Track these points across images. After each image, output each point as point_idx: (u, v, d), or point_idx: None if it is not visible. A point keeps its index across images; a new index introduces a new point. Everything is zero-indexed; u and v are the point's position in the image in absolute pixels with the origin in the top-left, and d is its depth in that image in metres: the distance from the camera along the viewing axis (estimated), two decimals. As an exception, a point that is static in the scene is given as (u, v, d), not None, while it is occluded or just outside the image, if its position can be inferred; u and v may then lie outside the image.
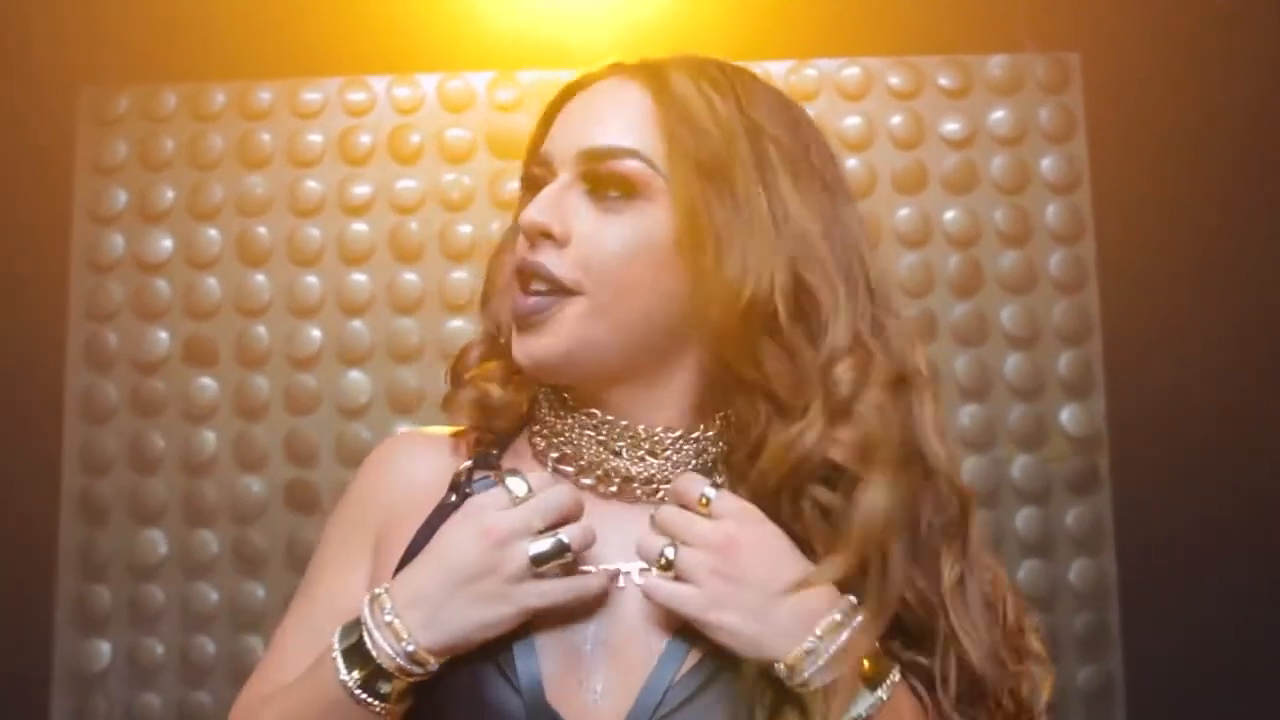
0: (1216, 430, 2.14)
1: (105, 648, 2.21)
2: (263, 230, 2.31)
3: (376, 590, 0.96)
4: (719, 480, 1.00)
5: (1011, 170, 2.29)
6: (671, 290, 0.99)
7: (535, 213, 0.99)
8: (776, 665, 0.92)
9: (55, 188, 2.30)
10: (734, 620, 0.93)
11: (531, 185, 1.04)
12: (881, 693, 0.93)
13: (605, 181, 0.99)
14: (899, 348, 1.02)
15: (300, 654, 1.02)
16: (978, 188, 2.29)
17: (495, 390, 1.06)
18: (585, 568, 0.98)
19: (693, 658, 0.95)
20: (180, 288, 2.29)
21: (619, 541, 0.99)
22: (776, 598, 0.93)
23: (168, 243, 2.30)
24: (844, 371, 0.97)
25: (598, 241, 0.98)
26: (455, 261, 2.29)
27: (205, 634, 2.21)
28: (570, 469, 1.03)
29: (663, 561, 0.95)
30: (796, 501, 0.96)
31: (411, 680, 0.94)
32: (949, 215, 2.28)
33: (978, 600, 0.99)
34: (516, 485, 0.96)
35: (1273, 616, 2.10)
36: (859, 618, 0.94)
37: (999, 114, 2.30)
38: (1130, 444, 2.20)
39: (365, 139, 2.32)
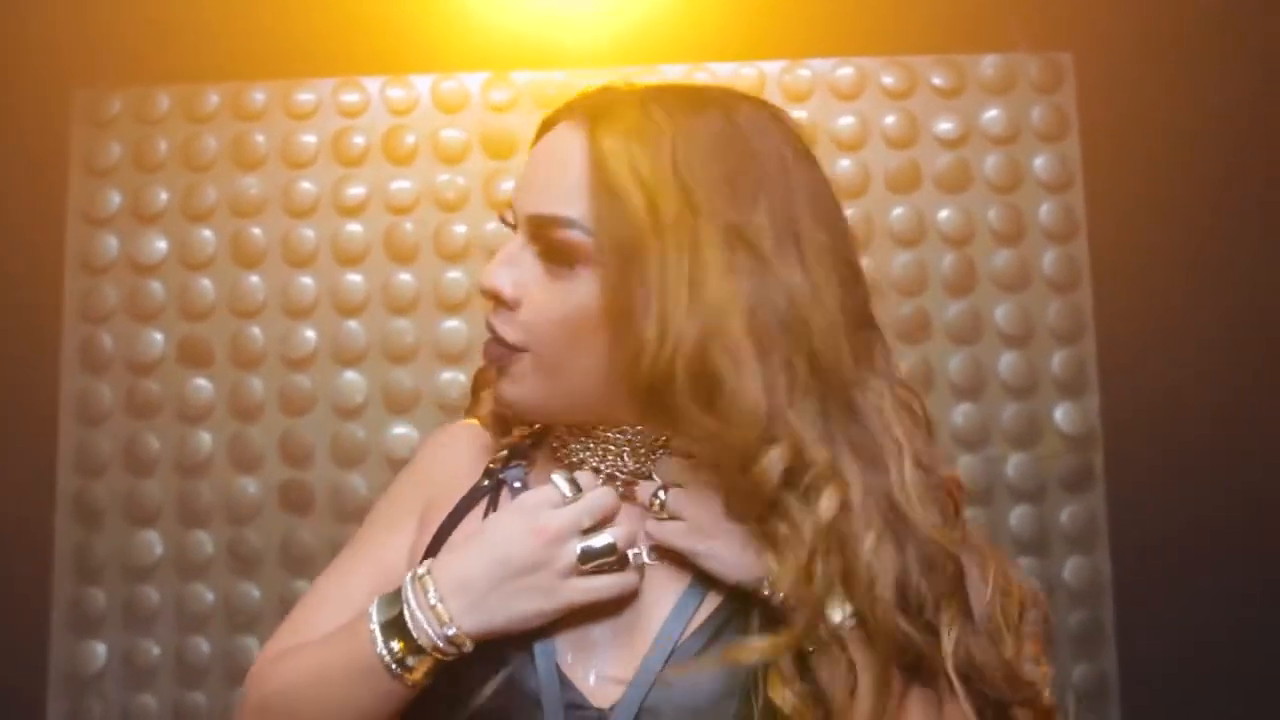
0: (1210, 428, 2.15)
1: (101, 649, 2.21)
2: (257, 231, 2.31)
3: (420, 570, 1.01)
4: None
5: (1005, 169, 2.29)
6: (603, 350, 1.02)
7: (489, 277, 1.06)
8: (761, 583, 0.99)
9: (49, 189, 2.30)
10: (720, 546, 1.00)
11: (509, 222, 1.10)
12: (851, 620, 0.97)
13: (549, 248, 1.03)
14: (864, 416, 1.01)
15: (335, 611, 1.08)
16: (971, 187, 2.29)
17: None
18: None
19: (694, 623, 1.01)
20: (175, 289, 2.29)
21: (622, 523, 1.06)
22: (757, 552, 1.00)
23: (162, 244, 2.30)
24: (771, 463, 0.97)
25: (541, 308, 1.04)
26: (450, 262, 2.29)
27: (201, 635, 2.21)
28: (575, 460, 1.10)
29: (657, 504, 1.03)
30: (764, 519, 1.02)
31: (443, 660, 1.00)
32: (943, 214, 2.28)
33: (980, 653, 1.02)
34: (564, 485, 1.02)
35: (1266, 614, 2.11)
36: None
37: (992, 113, 2.30)
38: (1124, 442, 2.20)
39: (359, 140, 2.32)
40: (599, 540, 1.00)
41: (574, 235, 1.01)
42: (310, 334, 2.28)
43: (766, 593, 0.99)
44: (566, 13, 2.29)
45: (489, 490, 1.11)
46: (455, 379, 2.27)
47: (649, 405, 1.01)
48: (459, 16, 2.32)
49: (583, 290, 1.02)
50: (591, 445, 1.08)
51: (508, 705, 1.00)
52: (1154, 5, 2.24)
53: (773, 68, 2.31)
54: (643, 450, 1.06)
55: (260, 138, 2.32)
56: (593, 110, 1.03)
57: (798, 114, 2.26)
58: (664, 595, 1.03)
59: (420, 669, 1.00)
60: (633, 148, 0.99)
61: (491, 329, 1.07)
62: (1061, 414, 2.24)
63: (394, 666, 0.99)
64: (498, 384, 1.08)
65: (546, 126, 1.08)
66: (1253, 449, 2.15)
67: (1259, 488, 2.13)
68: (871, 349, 1.04)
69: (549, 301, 1.03)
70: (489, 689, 1.00)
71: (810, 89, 2.31)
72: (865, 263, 2.29)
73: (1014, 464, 2.23)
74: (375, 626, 1.00)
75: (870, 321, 1.06)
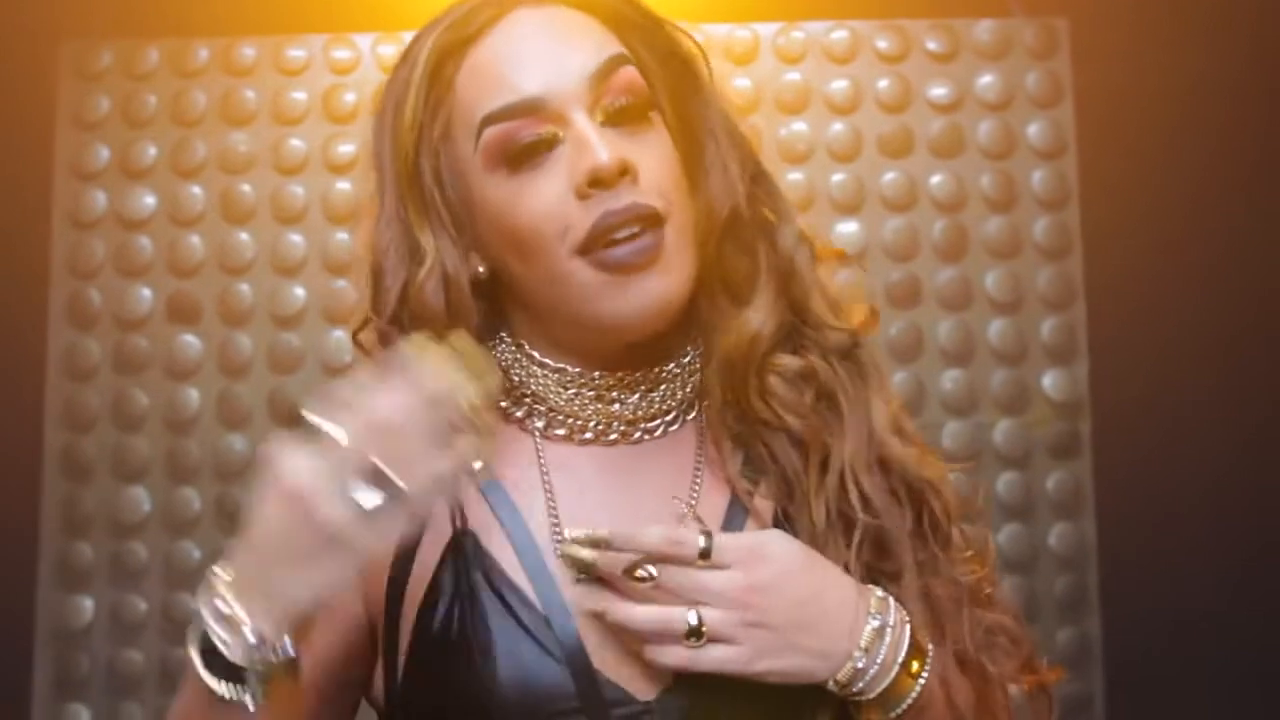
0: (1197, 397, 2.16)
1: (88, 604, 2.21)
2: (246, 188, 2.29)
3: (208, 573, 0.84)
4: (693, 416, 1.03)
5: (998, 135, 2.28)
6: (690, 199, 1.00)
7: (603, 153, 0.92)
8: (829, 684, 0.93)
9: (36, 143, 2.28)
10: (780, 664, 0.91)
11: (509, 143, 0.94)
12: (923, 679, 0.94)
13: (615, 97, 0.95)
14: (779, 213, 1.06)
15: None
16: (964, 153, 2.28)
17: None
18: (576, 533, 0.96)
19: None
20: (163, 245, 2.28)
21: (645, 482, 1.00)
22: (811, 625, 0.92)
23: (150, 200, 2.29)
24: (804, 256, 1.03)
25: (654, 165, 0.95)
26: (440, 221, 2.28)
27: (188, 591, 2.21)
28: (562, 431, 1.01)
29: (691, 631, 0.91)
30: (762, 377, 1.00)
31: (280, 667, 0.82)
32: (935, 180, 2.28)
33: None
34: (316, 420, 0.83)
35: (1249, 580, 2.12)
36: (893, 614, 0.94)
37: (986, 79, 2.29)
38: (1112, 410, 2.21)
39: (350, 97, 2.30)
40: (362, 489, 0.80)
41: (634, 73, 0.96)
42: (299, 291, 2.28)
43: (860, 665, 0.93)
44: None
45: None
46: (445, 339, 2.26)
47: (707, 249, 0.99)
48: (451, -27, 2.30)
49: (663, 137, 0.98)
50: (554, 386, 1.01)
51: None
52: (1150, -28, 2.24)
53: (767, 30, 2.30)
54: (680, 379, 1.03)
55: (250, 93, 2.30)
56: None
57: (791, 76, 2.29)
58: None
59: (268, 690, 0.82)
60: (624, 6, 1.01)
61: (629, 214, 0.92)
62: (1050, 381, 2.24)
63: (232, 698, 0.82)
64: (648, 285, 0.94)
65: (485, 28, 0.96)
66: (1239, 417, 2.15)
67: (1245, 455, 2.15)
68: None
69: (655, 160, 0.95)
70: (513, 685, 0.92)
71: (804, 51, 2.30)
72: (855, 227, 2.29)
73: (1002, 430, 2.23)
74: (196, 660, 0.83)
75: None
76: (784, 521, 0.99)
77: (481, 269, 1.00)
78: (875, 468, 1.00)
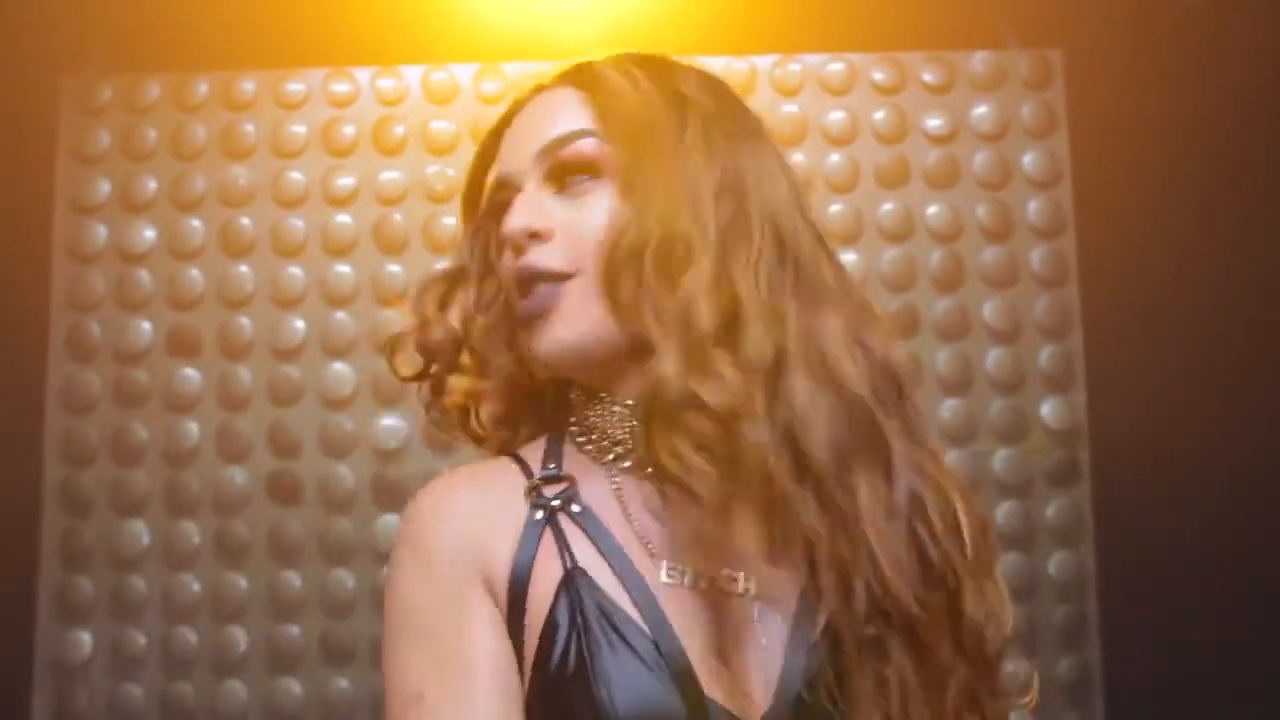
0: (1196, 424, 2.16)
1: (87, 638, 2.21)
2: (246, 221, 2.30)
3: None
4: None
5: (994, 166, 2.30)
6: None
7: (517, 219, 1.04)
8: None
9: (37, 177, 2.29)
10: None
11: (496, 211, 1.09)
12: None
13: (567, 169, 1.04)
14: (810, 276, 1.04)
15: None
16: (960, 183, 2.30)
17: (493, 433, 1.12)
18: (682, 564, 1.00)
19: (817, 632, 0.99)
20: (163, 278, 2.29)
21: (694, 525, 1.00)
22: None
23: (150, 233, 2.30)
24: (700, 310, 0.98)
25: (577, 227, 1.03)
26: (439, 253, 2.29)
27: (188, 625, 2.21)
28: (628, 463, 1.04)
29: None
30: (669, 434, 0.97)
31: None
32: (931, 210, 2.29)
33: (904, 525, 1.01)
34: None
35: (1250, 609, 2.12)
36: None
37: (981, 110, 2.31)
38: (1110, 437, 2.22)
39: (349, 130, 2.32)
40: None
41: (591, 143, 1.04)
42: (299, 324, 2.28)
43: None
44: (557, 4, 2.29)
45: (545, 522, 1.01)
46: (444, 370, 2.27)
47: (609, 286, 1.01)
48: (449, 7, 2.32)
49: (605, 198, 1.03)
50: (602, 412, 1.04)
51: None
52: (1143, 3, 2.25)
53: (764, 62, 2.32)
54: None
55: (250, 127, 2.32)
56: (565, 72, 1.10)
57: (788, 109, 2.30)
58: (778, 583, 1.00)
59: None
60: (626, 66, 1.08)
61: (526, 272, 1.03)
62: (1048, 409, 2.25)
63: None
64: (542, 335, 1.03)
65: (512, 113, 1.11)
66: (1238, 444, 2.16)
67: (1244, 482, 2.15)
68: (826, 247, 1.08)
69: (581, 218, 1.03)
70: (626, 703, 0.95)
71: (801, 84, 2.32)
72: (853, 258, 2.30)
73: (1001, 459, 2.24)
74: None
75: (821, 235, 1.10)
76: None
77: None
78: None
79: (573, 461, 1.06)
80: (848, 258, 2.28)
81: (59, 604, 2.21)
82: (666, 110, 1.05)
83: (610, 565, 1.00)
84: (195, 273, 2.29)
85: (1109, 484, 2.21)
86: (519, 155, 1.07)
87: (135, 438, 2.25)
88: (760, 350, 0.98)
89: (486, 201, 1.11)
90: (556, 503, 1.02)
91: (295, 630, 2.21)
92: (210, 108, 2.32)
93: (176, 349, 2.27)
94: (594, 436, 1.06)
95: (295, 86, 2.33)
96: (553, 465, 1.05)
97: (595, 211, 1.03)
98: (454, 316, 1.12)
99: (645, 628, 0.97)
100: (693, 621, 0.98)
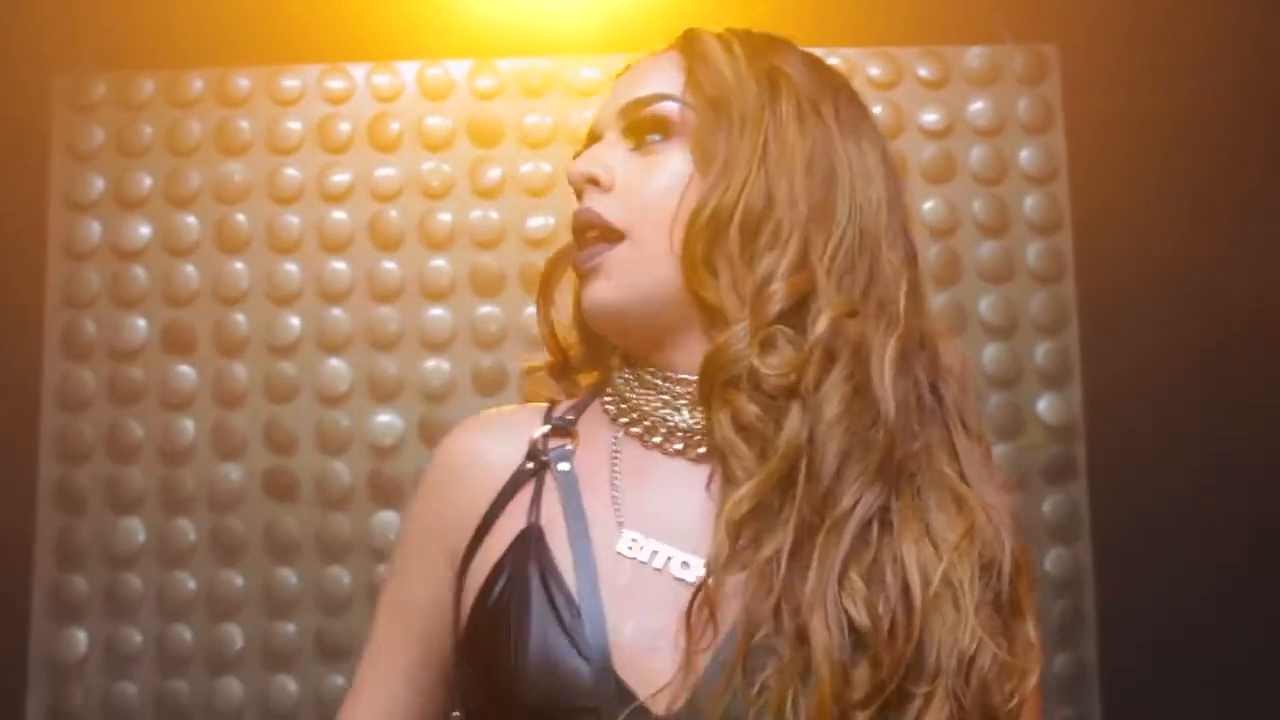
0: (1192, 420, 2.16)
1: (82, 636, 2.20)
2: (241, 218, 2.30)
3: None
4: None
5: (990, 161, 2.30)
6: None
7: (580, 164, 1.07)
8: None
9: (31, 174, 2.28)
10: None
11: None
12: None
13: (643, 127, 1.06)
14: (882, 288, 1.02)
15: (394, 678, 1.07)
16: (956, 178, 2.30)
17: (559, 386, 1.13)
18: (649, 541, 0.98)
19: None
20: (158, 275, 2.28)
21: (685, 510, 1.00)
22: None
23: (145, 230, 2.29)
24: (777, 291, 0.99)
25: (637, 182, 1.05)
26: (435, 249, 2.29)
27: (183, 622, 2.21)
28: (639, 430, 1.04)
29: None
30: (721, 410, 0.98)
31: None
32: (928, 206, 2.29)
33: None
34: None
35: (1247, 605, 2.12)
36: None
37: (977, 105, 2.31)
38: (1106, 433, 2.21)
39: (344, 127, 2.31)
40: None
41: (668, 106, 1.06)
42: (294, 321, 2.28)
43: None
44: (553, 0, 2.29)
45: (533, 474, 1.04)
46: (439, 367, 2.26)
47: (686, 257, 1.00)
48: (445, 3, 2.32)
49: (678, 159, 1.04)
50: (650, 395, 1.04)
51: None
52: (1139, -2, 2.25)
53: (759, 57, 2.31)
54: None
55: (245, 124, 2.31)
56: (678, 41, 1.13)
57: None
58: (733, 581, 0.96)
59: None
60: (727, 37, 1.11)
61: (581, 218, 1.06)
62: (1044, 405, 2.25)
63: None
64: (589, 288, 1.05)
65: (628, 67, 1.14)
66: (1235, 440, 2.16)
67: (1240, 478, 2.15)
68: (914, 268, 1.07)
69: (644, 176, 1.05)
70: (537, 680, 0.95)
71: (796, 79, 2.31)
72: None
73: (997, 455, 2.21)
74: None
75: (913, 254, 1.08)
76: None
77: None
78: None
79: (592, 416, 1.08)
80: (844, 253, 2.27)
81: (54, 602, 2.21)
82: (758, 82, 1.06)
83: (568, 527, 1.00)
84: (190, 269, 2.29)
85: (1105, 479, 2.21)
86: (608, 109, 1.10)
87: (130, 435, 2.25)
88: (820, 343, 0.97)
89: (586, 146, 1.13)
90: (546, 458, 1.05)
91: (291, 628, 2.20)
92: (205, 104, 2.32)
93: (171, 346, 2.27)
94: (613, 397, 1.07)
95: (290, 83, 2.32)
96: (570, 416, 1.08)
97: (660, 173, 1.04)
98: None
99: (575, 595, 0.97)
100: (636, 599, 0.97)
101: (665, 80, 1.08)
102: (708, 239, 1.00)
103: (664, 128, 1.06)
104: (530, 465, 1.05)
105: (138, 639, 2.20)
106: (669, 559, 0.98)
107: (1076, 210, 2.28)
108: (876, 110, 2.28)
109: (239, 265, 2.29)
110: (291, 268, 2.29)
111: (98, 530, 2.22)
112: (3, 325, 2.25)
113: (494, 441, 1.08)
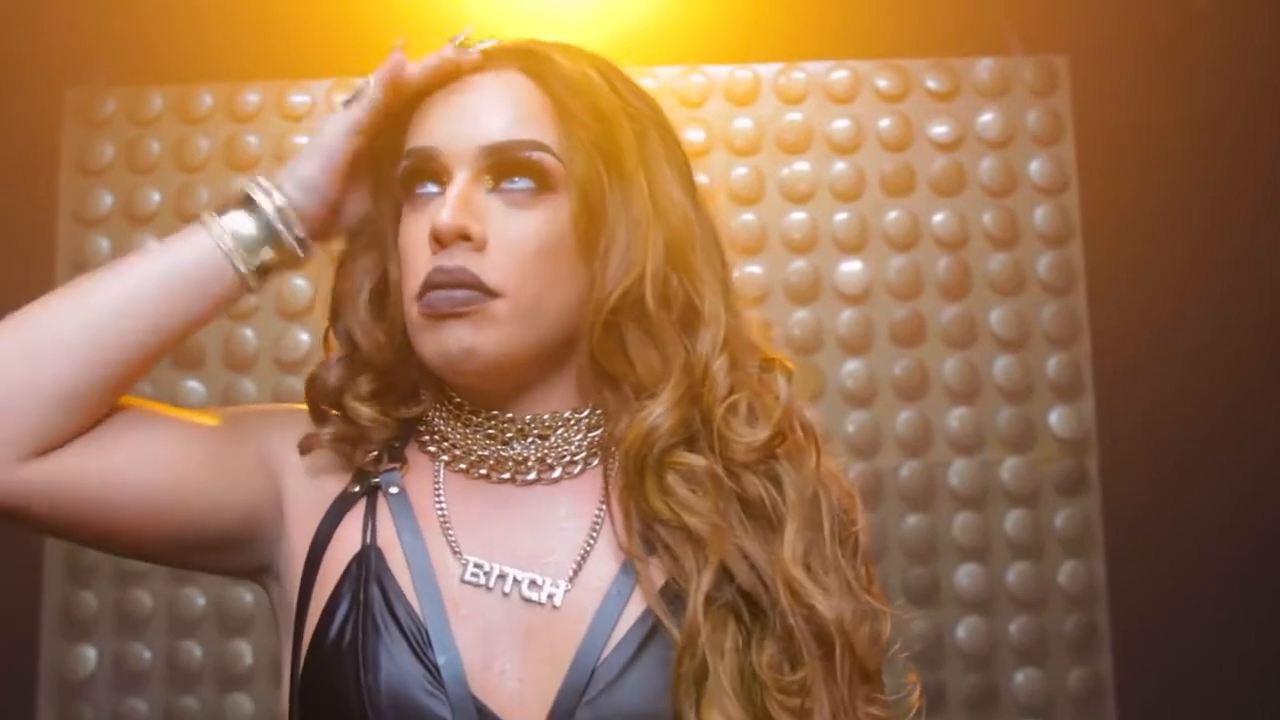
0: (1204, 432, 2.15)
1: (91, 653, 2.20)
2: (250, 233, 2.29)
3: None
4: (596, 465, 1.02)
5: (1000, 173, 2.29)
6: (575, 282, 1.00)
7: (451, 216, 0.96)
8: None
9: (40, 190, 2.29)
10: None
11: (411, 180, 1.02)
12: None
13: (508, 170, 0.99)
14: (749, 334, 1.05)
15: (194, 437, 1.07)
16: (966, 190, 2.29)
17: (364, 411, 1.03)
18: (478, 561, 0.98)
19: (614, 638, 0.95)
20: (167, 291, 2.28)
21: (521, 533, 1.00)
22: None
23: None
24: (719, 364, 1.00)
25: (514, 243, 0.98)
26: (444, 264, 2.28)
27: (192, 639, 2.20)
28: (463, 465, 1.03)
29: None
30: (661, 473, 0.98)
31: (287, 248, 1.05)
32: (938, 218, 2.28)
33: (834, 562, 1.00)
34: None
35: (1261, 618, 2.11)
36: None
37: (987, 117, 2.30)
38: (1119, 446, 2.20)
39: (353, 141, 2.31)
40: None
41: (543, 158, 0.99)
42: (304, 336, 2.27)
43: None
44: (561, 15, 2.29)
45: (363, 495, 1.02)
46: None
47: (599, 336, 0.98)
48: (453, 18, 2.31)
49: (555, 217, 0.99)
50: (472, 431, 1.02)
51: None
52: (1148, 9, 2.25)
53: (768, 70, 2.31)
54: (576, 429, 1.02)
55: (253, 139, 2.31)
56: (519, 52, 1.05)
57: (792, 116, 2.29)
58: (585, 599, 0.96)
59: (270, 263, 1.03)
60: (587, 72, 1.03)
61: (449, 276, 0.97)
62: (1056, 418, 2.24)
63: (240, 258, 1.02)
64: (454, 332, 0.97)
65: (452, 78, 1.04)
66: (1247, 451, 2.15)
67: (1253, 489, 2.14)
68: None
69: (521, 236, 0.98)
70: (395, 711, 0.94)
71: (805, 92, 2.31)
72: (859, 266, 2.29)
73: (1009, 468, 2.22)
74: (213, 219, 1.04)
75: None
76: (674, 596, 0.97)
77: None
78: (778, 592, 0.97)
79: (415, 452, 1.05)
80: (853, 266, 2.27)
81: (63, 619, 2.20)
82: (626, 123, 1.02)
83: (404, 550, 0.99)
84: (199, 285, 2.28)
85: (1118, 492, 2.20)
86: (455, 136, 1.00)
87: (139, 451, 2.24)
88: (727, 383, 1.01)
89: (401, 168, 1.03)
90: (376, 480, 1.02)
91: (300, 644, 2.20)
92: (214, 119, 2.32)
93: (180, 361, 2.26)
94: (444, 445, 1.03)
95: (299, 98, 2.32)
96: (398, 445, 1.05)
97: (539, 234, 0.98)
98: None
99: (422, 617, 0.96)
100: (487, 624, 0.96)
101: (529, 117, 1.00)
102: (626, 318, 0.99)
103: (539, 176, 0.99)
104: (358, 488, 1.02)
105: (147, 655, 2.20)
106: (515, 581, 0.97)
107: (1087, 221, 2.27)
108: (885, 123, 2.30)
109: (248, 280, 2.28)
110: (300, 283, 2.28)
111: (107, 546, 2.22)
112: (12, 341, 2.24)
113: (331, 459, 1.05)
